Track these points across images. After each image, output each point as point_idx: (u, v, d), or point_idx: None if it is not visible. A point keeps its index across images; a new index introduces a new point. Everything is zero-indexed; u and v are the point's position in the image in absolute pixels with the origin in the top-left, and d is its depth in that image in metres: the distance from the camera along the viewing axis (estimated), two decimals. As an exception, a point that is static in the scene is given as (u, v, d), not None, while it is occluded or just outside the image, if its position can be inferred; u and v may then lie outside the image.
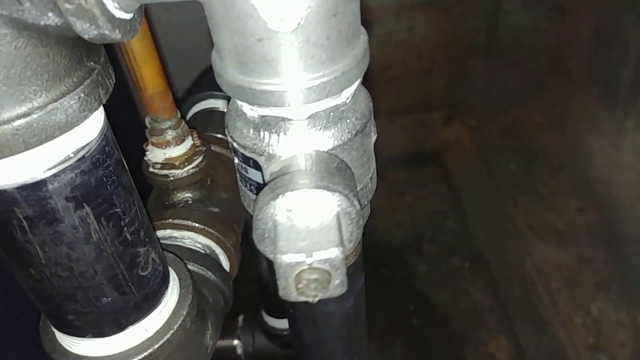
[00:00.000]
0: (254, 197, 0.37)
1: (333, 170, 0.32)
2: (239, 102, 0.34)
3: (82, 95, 0.33)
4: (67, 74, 0.33)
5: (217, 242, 0.63)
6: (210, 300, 0.58)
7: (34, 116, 0.31)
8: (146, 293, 0.45)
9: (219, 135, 0.73)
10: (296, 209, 0.30)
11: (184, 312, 0.48)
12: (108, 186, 0.39)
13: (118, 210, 0.40)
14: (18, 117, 0.31)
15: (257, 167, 0.35)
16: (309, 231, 0.29)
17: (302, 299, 0.30)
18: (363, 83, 0.36)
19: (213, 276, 0.59)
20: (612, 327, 1.40)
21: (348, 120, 0.34)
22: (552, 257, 1.53)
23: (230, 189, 0.68)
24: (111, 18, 0.29)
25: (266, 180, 0.35)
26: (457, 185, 1.76)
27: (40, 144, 0.33)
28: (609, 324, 1.40)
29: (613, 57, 1.47)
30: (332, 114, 0.34)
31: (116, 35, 0.30)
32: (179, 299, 0.49)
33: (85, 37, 0.30)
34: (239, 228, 0.68)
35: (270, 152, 0.34)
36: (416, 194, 1.84)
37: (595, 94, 1.58)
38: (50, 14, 0.29)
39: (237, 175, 0.38)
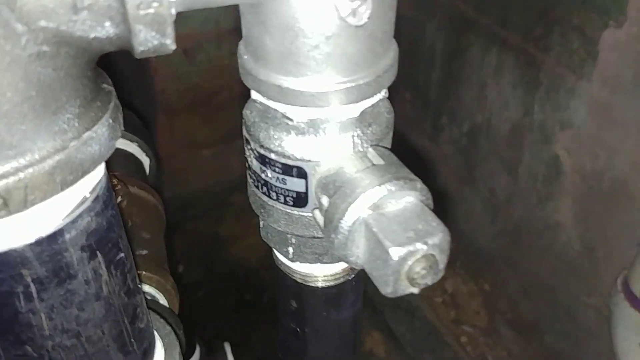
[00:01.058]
0: (288, 209, 0.35)
1: (398, 162, 0.32)
2: (283, 109, 0.32)
3: (110, 121, 0.29)
4: (93, 99, 0.28)
5: (156, 286, 0.57)
6: (173, 348, 0.52)
7: (71, 149, 0.26)
8: (145, 348, 0.40)
9: (118, 173, 0.67)
10: (387, 204, 0.29)
11: (178, 361, 0.43)
12: (115, 228, 0.34)
13: (123, 255, 0.35)
14: (55, 152, 0.26)
15: (302, 175, 0.33)
16: (409, 221, 0.29)
17: (409, 290, 0.29)
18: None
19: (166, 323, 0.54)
20: (466, 299, 1.55)
21: (382, 116, 0.35)
22: (402, 248, 1.65)
23: (150, 228, 0.63)
24: (173, 27, 0.26)
25: (312, 187, 0.33)
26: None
27: (75, 182, 0.27)
28: (463, 297, 1.56)
29: (420, 62, 1.64)
30: (374, 109, 0.34)
31: (172, 46, 0.27)
32: (166, 350, 0.44)
33: (140, 49, 0.26)
34: (168, 267, 0.63)
35: (320, 155, 0.32)
36: (262, 215, 1.84)
37: (409, 98, 1.75)
38: (107, 24, 0.24)
39: (262, 191, 0.36)
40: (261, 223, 0.40)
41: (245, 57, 0.32)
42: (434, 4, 1.53)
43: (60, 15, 0.23)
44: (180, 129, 1.75)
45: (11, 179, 0.25)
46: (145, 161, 0.75)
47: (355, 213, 0.29)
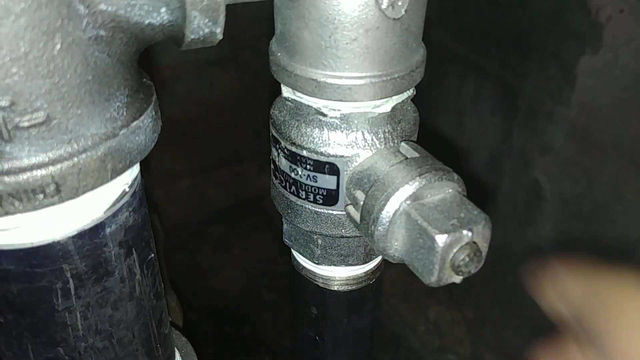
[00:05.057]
0: (317, 208, 0.35)
1: (431, 155, 0.32)
2: (317, 104, 0.32)
3: (153, 113, 0.29)
4: (138, 90, 0.28)
5: (161, 303, 0.56)
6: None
7: (121, 137, 0.26)
8: (168, 355, 0.39)
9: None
10: (426, 195, 0.30)
11: (196, 373, 0.43)
12: (147, 227, 0.33)
13: (153, 255, 0.34)
14: (107, 138, 0.26)
15: (334, 171, 0.33)
16: (450, 210, 0.29)
17: (452, 279, 0.29)
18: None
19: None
20: (449, 327, 1.55)
21: (409, 114, 0.35)
22: (385, 276, 1.65)
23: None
24: (224, 15, 0.26)
25: (343, 185, 0.34)
26: (280, 229, 1.80)
27: (123, 171, 0.27)
28: (446, 325, 1.56)
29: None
30: (403, 106, 0.34)
31: (220, 35, 0.27)
32: (184, 358, 0.43)
33: (191, 37, 0.26)
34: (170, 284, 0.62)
35: (352, 151, 0.33)
36: (243, 246, 1.83)
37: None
38: (162, 10, 0.25)
39: (290, 190, 0.36)
40: (284, 226, 0.41)
41: (279, 54, 0.33)
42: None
43: (120, -1, 0.24)
44: (158, 160, 1.73)
45: (65, 164, 0.24)
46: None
47: (395, 204, 0.30)
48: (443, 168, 0.31)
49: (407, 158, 0.32)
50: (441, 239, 0.28)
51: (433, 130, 1.58)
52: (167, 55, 1.61)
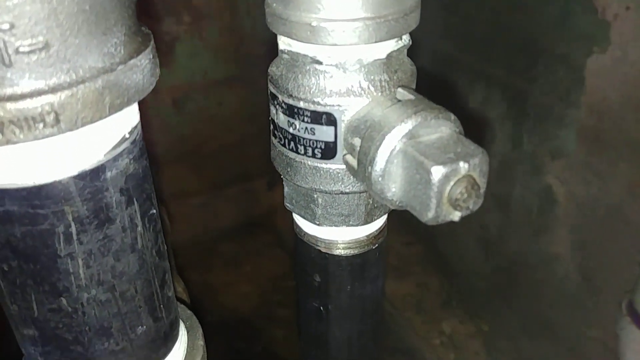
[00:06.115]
0: (316, 163, 0.36)
1: (427, 99, 0.33)
2: (313, 52, 0.33)
3: (151, 56, 0.30)
4: (135, 32, 0.29)
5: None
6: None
7: (119, 72, 0.27)
8: (172, 320, 0.39)
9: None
10: (422, 133, 0.30)
11: (201, 343, 0.42)
12: (148, 181, 0.34)
13: (154, 212, 0.35)
14: (105, 72, 0.26)
15: (331, 122, 0.34)
16: (447, 146, 0.29)
17: (451, 216, 0.29)
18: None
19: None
20: (464, 340, 1.53)
21: (406, 65, 0.36)
22: (397, 289, 1.63)
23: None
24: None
25: (340, 137, 0.34)
26: (291, 245, 1.80)
27: (121, 108, 0.28)
28: (462, 338, 1.53)
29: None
30: (399, 56, 0.35)
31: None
32: (189, 331, 0.43)
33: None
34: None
35: (348, 100, 0.33)
36: (254, 263, 1.83)
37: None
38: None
39: (289, 147, 0.36)
40: (285, 189, 0.41)
41: (274, 4, 0.33)
42: (415, 45, 1.58)
43: None
44: (169, 178, 1.75)
45: (64, 93, 0.25)
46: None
47: (391, 142, 0.30)
48: (439, 107, 0.31)
49: (401, 100, 0.32)
50: (437, 171, 0.28)
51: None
52: (176, 76, 1.64)
